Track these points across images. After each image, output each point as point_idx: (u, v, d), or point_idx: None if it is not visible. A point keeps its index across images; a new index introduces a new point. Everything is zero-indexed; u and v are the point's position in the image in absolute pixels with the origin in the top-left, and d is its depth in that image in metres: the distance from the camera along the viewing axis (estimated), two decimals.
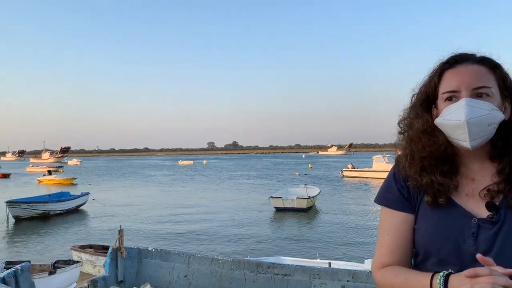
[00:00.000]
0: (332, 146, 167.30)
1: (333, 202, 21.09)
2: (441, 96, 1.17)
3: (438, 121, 1.16)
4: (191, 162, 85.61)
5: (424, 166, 1.17)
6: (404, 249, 1.20)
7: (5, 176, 46.45)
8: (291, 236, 13.47)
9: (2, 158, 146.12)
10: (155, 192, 28.47)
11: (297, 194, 19.26)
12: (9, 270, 4.43)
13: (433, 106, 1.21)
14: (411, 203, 1.21)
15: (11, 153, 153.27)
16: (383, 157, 36.16)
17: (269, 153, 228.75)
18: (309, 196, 18.25)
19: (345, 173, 39.04)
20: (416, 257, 1.22)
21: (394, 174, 1.27)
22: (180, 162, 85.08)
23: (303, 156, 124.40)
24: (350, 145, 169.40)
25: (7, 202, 16.88)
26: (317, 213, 17.97)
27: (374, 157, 37.53)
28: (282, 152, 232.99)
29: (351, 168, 40.09)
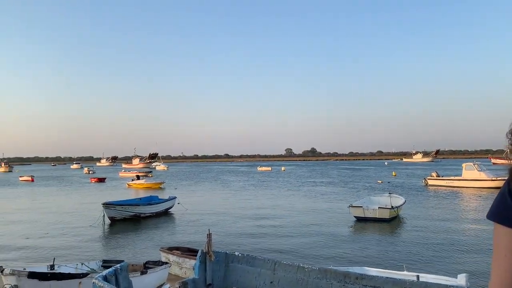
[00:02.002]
0: (417, 152, 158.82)
1: (419, 212, 20.02)
2: None
3: None
4: (269, 168, 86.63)
5: None
6: None
7: (101, 180, 51.18)
8: (374, 246, 13.01)
9: (98, 164, 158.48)
10: (235, 197, 29.15)
11: (379, 203, 18.60)
12: (110, 269, 4.80)
13: None
14: None
15: (105, 159, 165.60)
16: (473, 164, 34.14)
17: (348, 160, 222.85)
18: (392, 206, 17.52)
19: (430, 182, 37.09)
20: None
21: (508, 188, 1.18)
22: (259, 168, 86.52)
23: (386, 163, 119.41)
24: (437, 152, 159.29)
25: (103, 204, 18.38)
26: (401, 223, 17.17)
27: (464, 165, 35.34)
28: (363, 159, 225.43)
29: (436, 176, 38.01)
